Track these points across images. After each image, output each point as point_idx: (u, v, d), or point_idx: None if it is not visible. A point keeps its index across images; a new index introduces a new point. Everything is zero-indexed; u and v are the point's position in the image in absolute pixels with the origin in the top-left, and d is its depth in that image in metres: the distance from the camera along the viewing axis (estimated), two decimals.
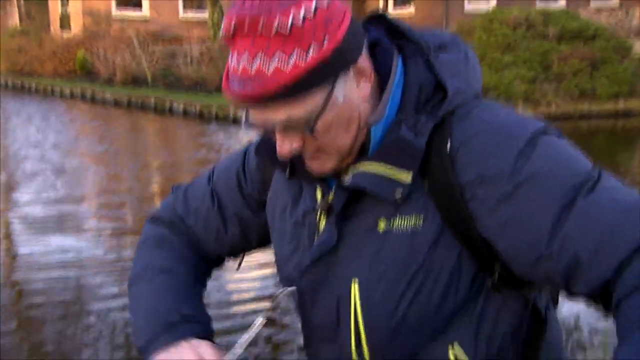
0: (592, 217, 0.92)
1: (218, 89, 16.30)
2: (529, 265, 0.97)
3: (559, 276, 0.95)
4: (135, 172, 9.53)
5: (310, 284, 1.09)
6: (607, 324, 3.71)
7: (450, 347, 1.03)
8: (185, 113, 14.94)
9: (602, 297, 0.93)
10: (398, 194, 0.99)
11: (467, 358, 1.03)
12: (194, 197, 1.28)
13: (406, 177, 0.99)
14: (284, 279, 1.16)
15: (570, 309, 3.95)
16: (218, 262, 1.33)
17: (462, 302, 1.02)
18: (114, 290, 4.46)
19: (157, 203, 7.83)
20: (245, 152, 1.24)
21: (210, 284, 1.31)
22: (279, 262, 1.18)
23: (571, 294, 0.96)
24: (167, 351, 1.09)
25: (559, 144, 0.99)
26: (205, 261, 1.29)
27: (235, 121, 14.17)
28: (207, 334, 1.15)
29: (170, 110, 15.33)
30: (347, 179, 1.03)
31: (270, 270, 4.59)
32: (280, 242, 1.16)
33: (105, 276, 4.78)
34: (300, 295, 1.12)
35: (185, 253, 1.26)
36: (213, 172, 1.29)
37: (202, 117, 14.44)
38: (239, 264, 1.33)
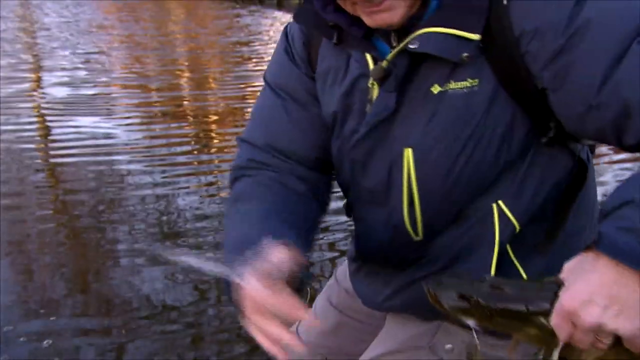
0: None
1: None
2: (580, 118, 0.94)
3: (610, 128, 0.91)
4: (164, 57, 9.44)
5: (363, 152, 1.09)
6: None
7: (494, 202, 1.05)
8: None
9: None
10: (465, 52, 0.97)
11: (509, 210, 1.05)
12: (262, 116, 1.21)
13: (473, 35, 0.97)
14: (334, 153, 1.15)
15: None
16: (325, 172, 1.21)
17: (512, 161, 1.03)
18: (146, 177, 4.52)
19: (186, 87, 7.79)
20: (286, 35, 1.20)
21: None
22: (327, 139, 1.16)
23: (623, 147, 0.93)
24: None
25: None
26: (307, 192, 1.17)
27: (262, 1, 13.77)
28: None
29: None
30: (413, 42, 0.99)
31: None
32: (328, 114, 1.14)
33: (136, 163, 4.84)
34: (351, 163, 1.12)
35: (262, 190, 1.15)
36: (265, 82, 1.23)
37: None
38: None
